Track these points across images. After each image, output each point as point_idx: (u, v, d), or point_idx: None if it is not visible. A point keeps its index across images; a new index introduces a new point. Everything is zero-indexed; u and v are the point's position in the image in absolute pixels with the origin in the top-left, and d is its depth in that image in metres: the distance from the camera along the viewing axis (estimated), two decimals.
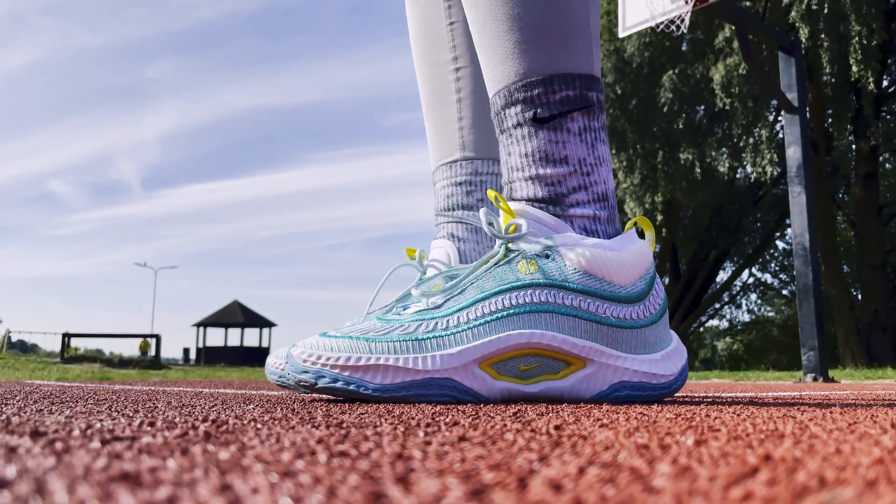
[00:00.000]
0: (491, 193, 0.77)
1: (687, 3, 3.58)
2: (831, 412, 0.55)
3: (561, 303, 0.70)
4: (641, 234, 0.79)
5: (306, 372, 0.69)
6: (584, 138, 0.75)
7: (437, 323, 0.69)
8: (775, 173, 8.34)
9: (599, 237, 0.74)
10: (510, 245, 0.74)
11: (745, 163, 8.37)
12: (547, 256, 0.72)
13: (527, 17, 0.75)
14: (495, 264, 0.73)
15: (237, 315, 24.93)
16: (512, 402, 0.68)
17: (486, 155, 1.04)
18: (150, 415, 0.47)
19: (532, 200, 0.75)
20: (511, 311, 0.69)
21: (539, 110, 0.75)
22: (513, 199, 0.77)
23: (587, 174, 0.75)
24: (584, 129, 0.75)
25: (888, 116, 9.89)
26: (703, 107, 9.01)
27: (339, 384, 0.68)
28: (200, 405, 0.62)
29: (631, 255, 0.72)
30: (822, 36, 7.22)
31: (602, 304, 0.71)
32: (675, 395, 1.07)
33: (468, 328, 0.69)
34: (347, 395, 0.68)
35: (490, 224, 0.74)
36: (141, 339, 17.72)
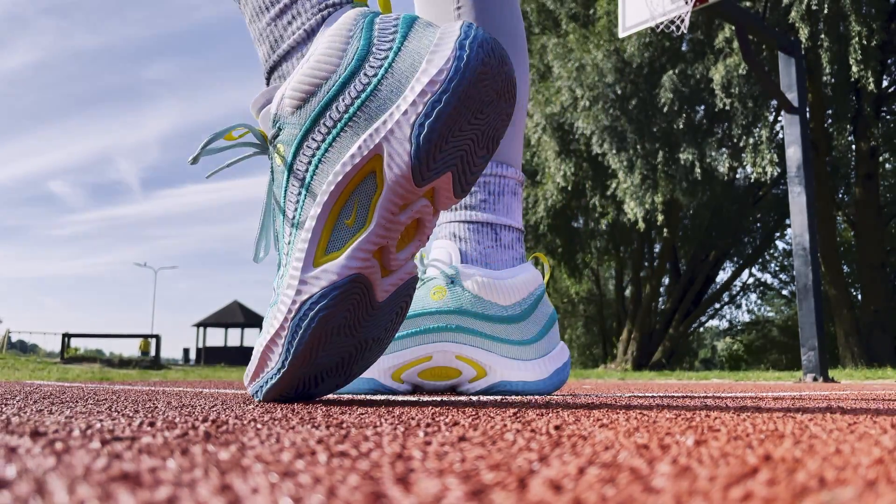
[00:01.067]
0: None
1: (687, 3, 3.58)
2: (831, 412, 0.55)
3: (315, 145, 0.61)
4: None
5: (255, 394, 0.69)
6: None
7: (279, 277, 0.65)
8: (775, 173, 8.34)
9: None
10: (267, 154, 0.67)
11: (745, 163, 8.38)
12: (280, 130, 0.64)
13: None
14: (271, 182, 0.66)
15: (237, 315, 24.92)
16: (384, 257, 0.61)
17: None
18: (150, 415, 0.47)
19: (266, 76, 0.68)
20: (299, 197, 0.62)
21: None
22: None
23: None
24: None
25: (888, 117, 9.88)
26: (703, 107, 9.01)
27: (265, 388, 0.68)
28: (200, 405, 0.62)
29: (330, 45, 0.62)
30: (822, 36, 7.22)
31: (339, 103, 0.60)
32: (675, 395, 1.07)
33: (289, 253, 0.63)
34: (279, 393, 0.64)
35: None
36: (141, 339, 17.72)
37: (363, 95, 0.58)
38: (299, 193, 0.61)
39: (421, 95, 0.55)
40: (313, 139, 0.60)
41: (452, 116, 0.55)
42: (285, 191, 0.63)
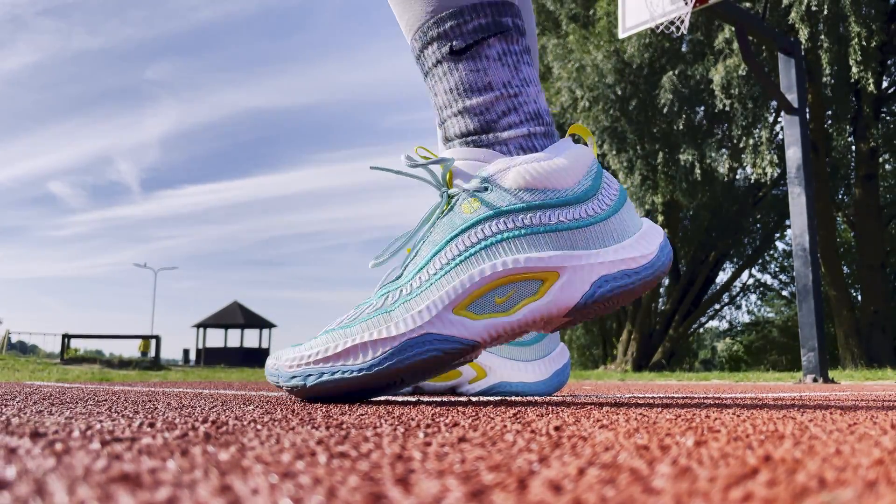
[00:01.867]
0: (416, 148, 0.75)
1: (687, 4, 3.59)
2: (831, 413, 0.55)
3: (513, 226, 0.68)
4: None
5: (295, 377, 0.69)
6: (506, 62, 0.74)
7: (401, 290, 0.69)
8: (775, 174, 8.34)
9: (538, 152, 0.73)
10: (450, 190, 0.72)
11: (744, 164, 8.38)
12: (486, 189, 0.70)
13: None
14: (440, 214, 0.72)
15: (237, 316, 24.92)
16: (500, 338, 0.68)
17: None
18: (149, 416, 0.47)
19: (465, 135, 0.74)
20: (468, 252, 0.68)
21: (454, 42, 0.73)
22: (447, 140, 0.76)
23: (515, 96, 0.74)
24: (504, 53, 0.74)
25: (888, 117, 9.89)
26: (702, 108, 9.02)
27: (325, 377, 0.68)
28: (200, 406, 0.62)
29: (567, 159, 0.70)
30: (822, 37, 7.22)
31: (553, 212, 0.68)
32: (675, 396, 1.07)
33: (430, 283, 0.68)
34: (338, 387, 0.68)
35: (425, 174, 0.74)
36: (141, 340, 17.71)
37: (575, 224, 0.68)
38: (470, 249, 0.68)
39: (620, 262, 0.67)
40: (513, 221, 0.68)
41: (628, 293, 0.68)
42: (455, 237, 0.69)
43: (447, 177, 0.73)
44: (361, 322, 0.69)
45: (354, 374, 0.67)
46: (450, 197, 0.72)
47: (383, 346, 0.67)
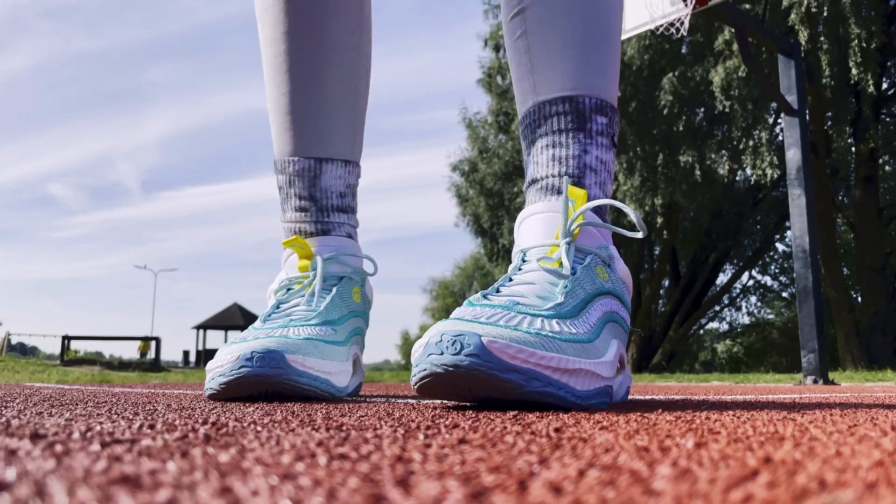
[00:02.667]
0: (572, 189, 0.75)
1: (686, 5, 3.59)
2: (831, 415, 0.55)
3: (620, 314, 0.74)
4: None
5: (515, 371, 0.57)
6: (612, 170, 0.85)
7: (573, 322, 0.65)
8: (775, 176, 8.34)
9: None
10: (577, 243, 0.73)
11: (744, 165, 8.38)
12: (609, 266, 0.75)
13: (611, 38, 0.87)
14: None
15: (237, 317, 24.90)
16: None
17: None
18: (149, 417, 0.47)
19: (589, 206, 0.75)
20: (606, 318, 0.70)
21: (615, 132, 0.87)
22: (556, 194, 0.80)
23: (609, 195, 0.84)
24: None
25: (888, 119, 9.89)
26: (702, 109, 9.02)
27: (549, 389, 0.58)
28: (200, 408, 0.62)
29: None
30: (822, 38, 7.22)
31: (626, 313, 0.76)
32: (675, 397, 1.07)
33: (597, 335, 0.66)
34: (550, 402, 0.59)
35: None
36: (140, 342, 17.69)
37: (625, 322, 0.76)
38: (608, 315, 0.72)
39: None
40: (621, 309, 0.75)
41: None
42: (598, 295, 0.71)
43: (573, 231, 0.73)
44: (566, 342, 0.61)
45: (572, 399, 0.60)
46: (577, 250, 0.73)
47: (597, 381, 0.63)
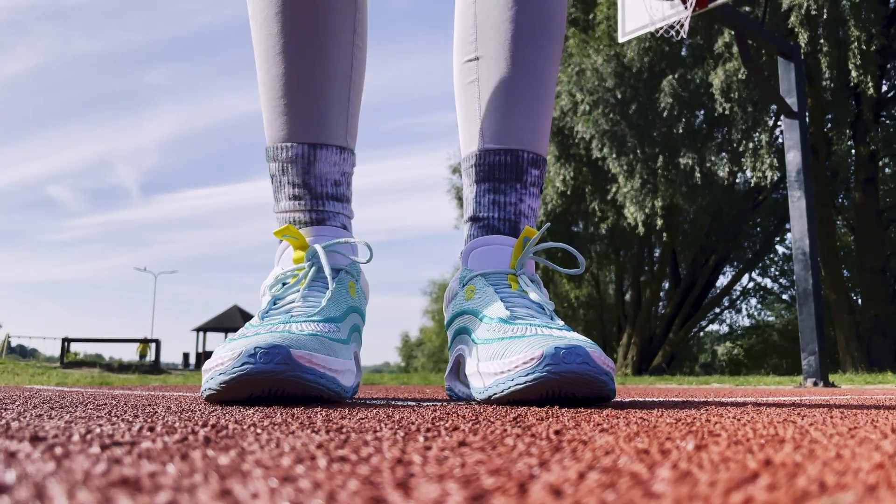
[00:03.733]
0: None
1: (686, 7, 3.59)
2: (832, 417, 0.55)
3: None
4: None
5: (608, 374, 0.73)
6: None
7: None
8: (775, 178, 8.34)
9: None
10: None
11: (744, 167, 8.38)
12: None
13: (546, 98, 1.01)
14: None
15: (237, 319, 24.90)
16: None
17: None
18: (149, 420, 0.47)
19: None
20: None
21: (543, 181, 1.01)
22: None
23: None
24: None
25: (887, 121, 9.89)
26: (702, 111, 9.02)
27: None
28: (200, 410, 0.62)
29: None
30: (822, 41, 7.23)
31: None
32: (675, 400, 1.07)
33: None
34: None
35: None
36: (139, 344, 17.66)
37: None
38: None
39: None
40: None
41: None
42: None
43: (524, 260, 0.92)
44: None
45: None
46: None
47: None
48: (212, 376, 0.73)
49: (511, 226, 0.96)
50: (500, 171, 0.96)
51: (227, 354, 0.72)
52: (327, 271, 0.86)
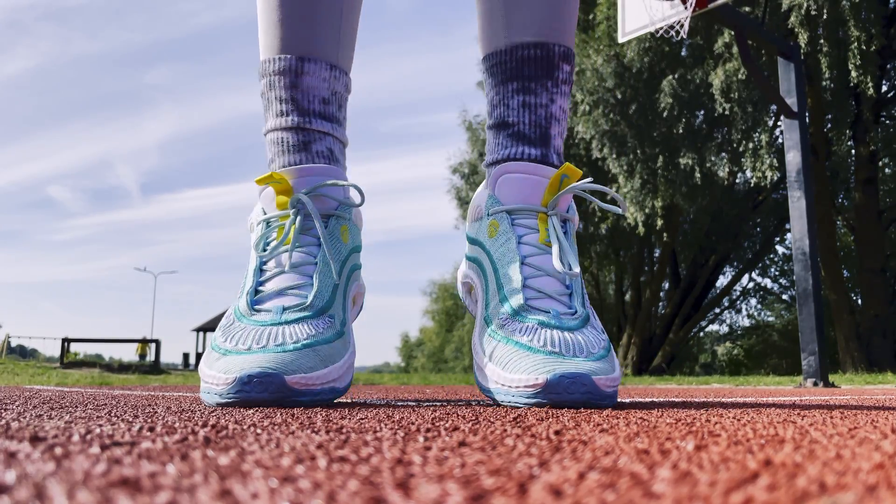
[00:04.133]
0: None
1: (686, 8, 3.59)
2: (832, 417, 0.55)
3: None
4: None
5: (610, 398, 0.73)
6: None
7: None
8: (775, 178, 8.34)
9: None
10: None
11: (744, 167, 8.38)
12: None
13: None
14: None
15: None
16: None
17: None
18: (149, 420, 0.47)
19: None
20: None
21: (573, 79, 0.96)
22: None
23: None
24: None
25: (887, 121, 9.89)
26: (702, 112, 9.02)
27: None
28: (200, 410, 0.62)
29: None
30: (822, 41, 7.23)
31: None
32: (675, 400, 1.07)
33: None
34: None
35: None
36: (138, 344, 17.64)
37: None
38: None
39: None
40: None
41: None
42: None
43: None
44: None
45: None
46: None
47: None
48: (209, 391, 0.72)
49: (542, 133, 0.89)
50: (530, 66, 0.89)
51: (221, 376, 0.70)
52: (320, 230, 0.81)
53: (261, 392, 0.68)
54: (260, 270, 0.82)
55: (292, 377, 0.69)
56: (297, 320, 0.76)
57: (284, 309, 0.77)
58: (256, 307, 0.78)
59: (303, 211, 0.82)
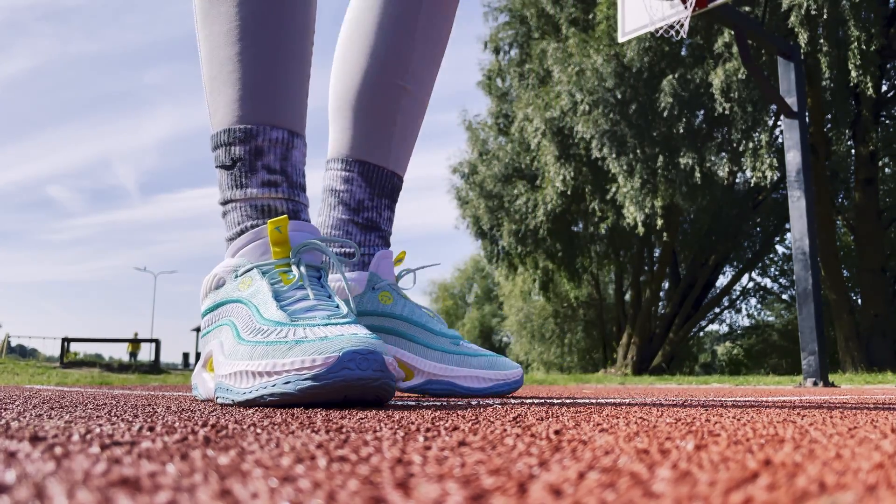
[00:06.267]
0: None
1: (686, 7, 3.59)
2: (831, 417, 0.55)
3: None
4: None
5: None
6: None
7: None
8: (775, 178, 8.34)
9: None
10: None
11: (744, 167, 8.38)
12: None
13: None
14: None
15: None
16: None
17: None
18: (149, 420, 0.47)
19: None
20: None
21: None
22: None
23: None
24: None
25: (887, 121, 9.90)
26: (702, 111, 9.02)
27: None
28: (200, 410, 0.62)
29: None
30: (822, 41, 7.23)
31: None
32: (675, 399, 1.07)
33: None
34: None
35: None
36: (129, 342, 17.48)
37: None
38: None
39: None
40: None
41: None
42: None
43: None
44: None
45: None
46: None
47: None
48: (287, 380, 0.68)
49: (386, 241, 1.22)
50: (395, 193, 1.23)
51: (307, 359, 0.68)
52: (343, 277, 0.87)
53: (364, 369, 0.67)
54: (277, 298, 0.80)
55: (388, 357, 0.69)
56: (346, 323, 0.75)
57: (329, 315, 0.76)
58: (295, 316, 0.76)
59: (304, 260, 0.84)
